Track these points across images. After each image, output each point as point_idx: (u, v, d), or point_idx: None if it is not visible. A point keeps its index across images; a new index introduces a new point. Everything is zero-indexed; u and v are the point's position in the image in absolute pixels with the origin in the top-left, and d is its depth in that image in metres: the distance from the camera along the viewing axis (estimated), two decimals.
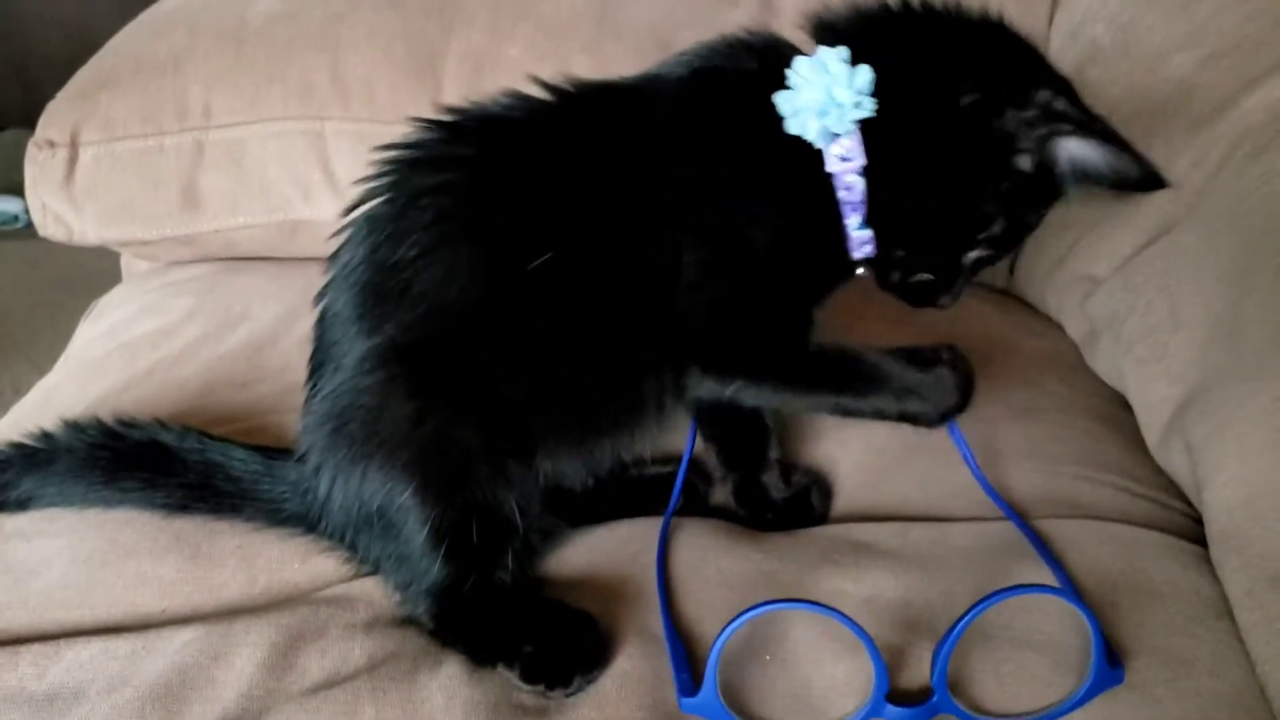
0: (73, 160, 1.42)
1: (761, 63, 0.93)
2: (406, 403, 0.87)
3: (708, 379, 0.93)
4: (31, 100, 1.53)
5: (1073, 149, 0.91)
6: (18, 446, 1.02)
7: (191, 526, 0.99)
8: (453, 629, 0.88)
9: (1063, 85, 0.93)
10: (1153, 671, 0.79)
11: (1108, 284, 1.16)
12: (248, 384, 1.22)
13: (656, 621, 0.86)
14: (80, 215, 1.45)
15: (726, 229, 0.90)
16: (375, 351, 0.89)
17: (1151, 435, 1.03)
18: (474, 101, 0.95)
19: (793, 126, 0.89)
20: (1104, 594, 0.85)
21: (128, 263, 1.64)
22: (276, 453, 1.01)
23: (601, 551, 0.96)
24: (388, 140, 0.94)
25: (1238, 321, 0.92)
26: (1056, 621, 0.83)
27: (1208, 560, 0.90)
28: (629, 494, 1.03)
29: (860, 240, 0.93)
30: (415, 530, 0.87)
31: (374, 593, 0.92)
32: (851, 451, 1.07)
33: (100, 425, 1.02)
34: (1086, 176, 0.92)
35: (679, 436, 1.07)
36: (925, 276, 0.97)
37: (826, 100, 0.87)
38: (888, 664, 0.77)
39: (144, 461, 1.00)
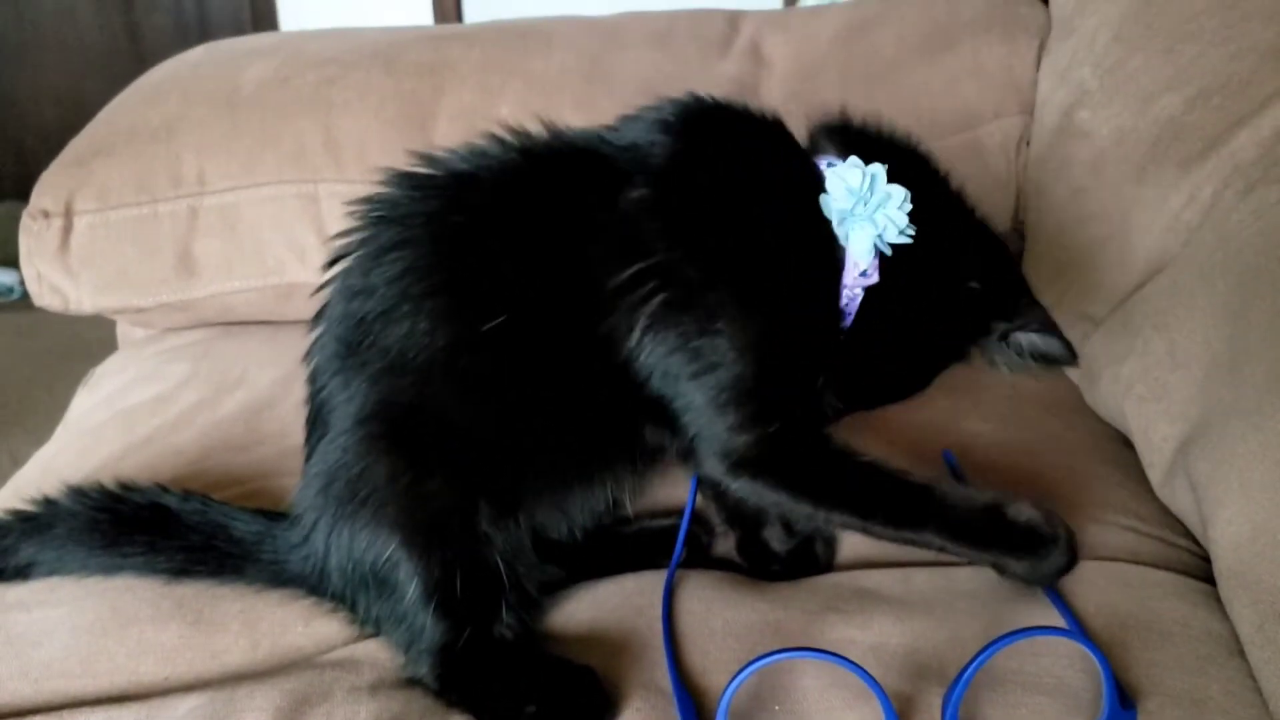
0: (67, 229, 1.43)
1: (782, 150, 0.96)
2: (384, 459, 0.88)
3: (713, 469, 0.92)
4: (25, 172, 1.55)
5: (1025, 340, 0.96)
6: (16, 514, 1.02)
7: (193, 592, 0.98)
8: (456, 689, 0.87)
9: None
10: (1165, 712, 0.78)
11: (1106, 324, 1.16)
12: (246, 448, 1.22)
13: (662, 676, 0.85)
14: (76, 284, 1.45)
15: (735, 314, 0.89)
16: (354, 409, 0.90)
17: (1155, 474, 1.03)
18: (444, 150, 0.96)
19: (840, 232, 0.91)
20: (1113, 634, 0.84)
21: (124, 330, 1.64)
22: (277, 515, 1.00)
23: (605, 606, 0.95)
24: None
25: (1236, 357, 0.92)
26: (1066, 665, 0.82)
27: (1217, 598, 0.89)
28: (632, 547, 1.03)
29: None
30: (406, 586, 0.87)
31: (378, 654, 0.91)
32: None
33: (101, 489, 1.02)
34: (1022, 354, 0.96)
35: (677, 489, 1.07)
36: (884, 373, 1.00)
37: (879, 214, 0.89)
38: (898, 711, 0.76)
39: (145, 525, 1.00)
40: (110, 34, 3.71)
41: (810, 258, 0.92)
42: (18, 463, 1.33)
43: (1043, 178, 1.36)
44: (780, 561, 1.02)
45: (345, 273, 0.93)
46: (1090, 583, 0.91)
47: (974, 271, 0.94)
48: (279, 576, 0.97)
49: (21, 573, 1.01)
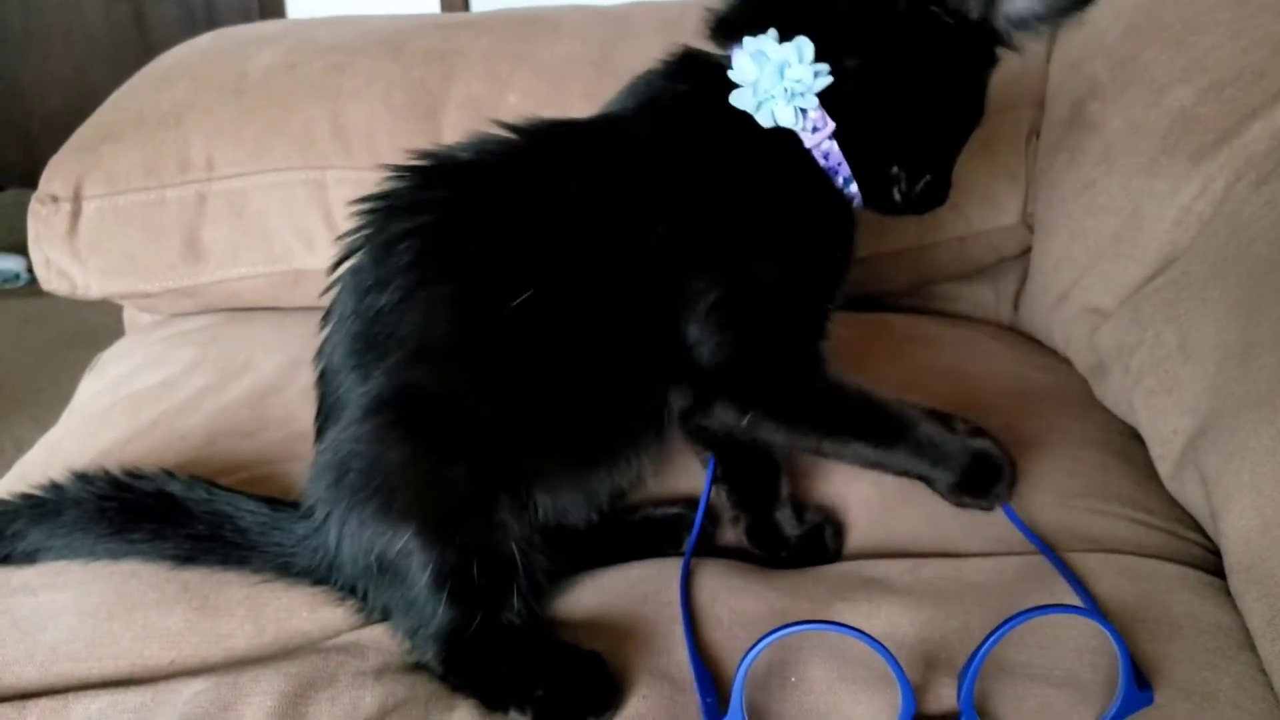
0: (76, 214, 1.43)
1: (693, 76, 0.97)
2: (399, 447, 0.87)
3: (721, 408, 0.94)
4: (31, 160, 1.54)
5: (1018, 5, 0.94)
6: (25, 498, 1.01)
7: (198, 577, 0.97)
8: (462, 673, 0.87)
9: None
10: (1175, 706, 0.78)
11: (1115, 316, 1.16)
12: (252, 434, 1.21)
13: (670, 662, 0.85)
14: (84, 269, 1.45)
15: (729, 246, 0.92)
16: (368, 399, 0.89)
17: (1164, 467, 1.03)
18: (443, 145, 0.96)
19: (762, 119, 0.92)
20: (1122, 627, 0.83)
21: (130, 316, 1.64)
22: (284, 504, 1.00)
23: (612, 593, 0.95)
24: None
25: (1248, 350, 0.92)
26: (1075, 657, 0.82)
27: (1227, 592, 0.89)
28: (637, 535, 1.03)
29: (852, 194, 0.98)
30: (418, 574, 0.86)
31: (384, 639, 0.91)
32: (860, 490, 1.06)
33: (108, 476, 1.01)
34: (1025, 22, 0.95)
35: (681, 477, 1.08)
36: (926, 179, 1.00)
37: (786, 83, 0.90)
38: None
39: (152, 512, 0.99)
40: (116, 22, 3.71)
41: (766, 156, 0.94)
42: (22, 449, 1.33)
43: (1052, 170, 1.35)
44: (789, 548, 1.02)
45: (355, 270, 0.93)
46: (1098, 574, 0.91)
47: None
48: (287, 569, 0.97)
49: (29, 558, 1.01)
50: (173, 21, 3.68)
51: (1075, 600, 0.87)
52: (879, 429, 0.97)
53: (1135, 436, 1.11)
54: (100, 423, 1.28)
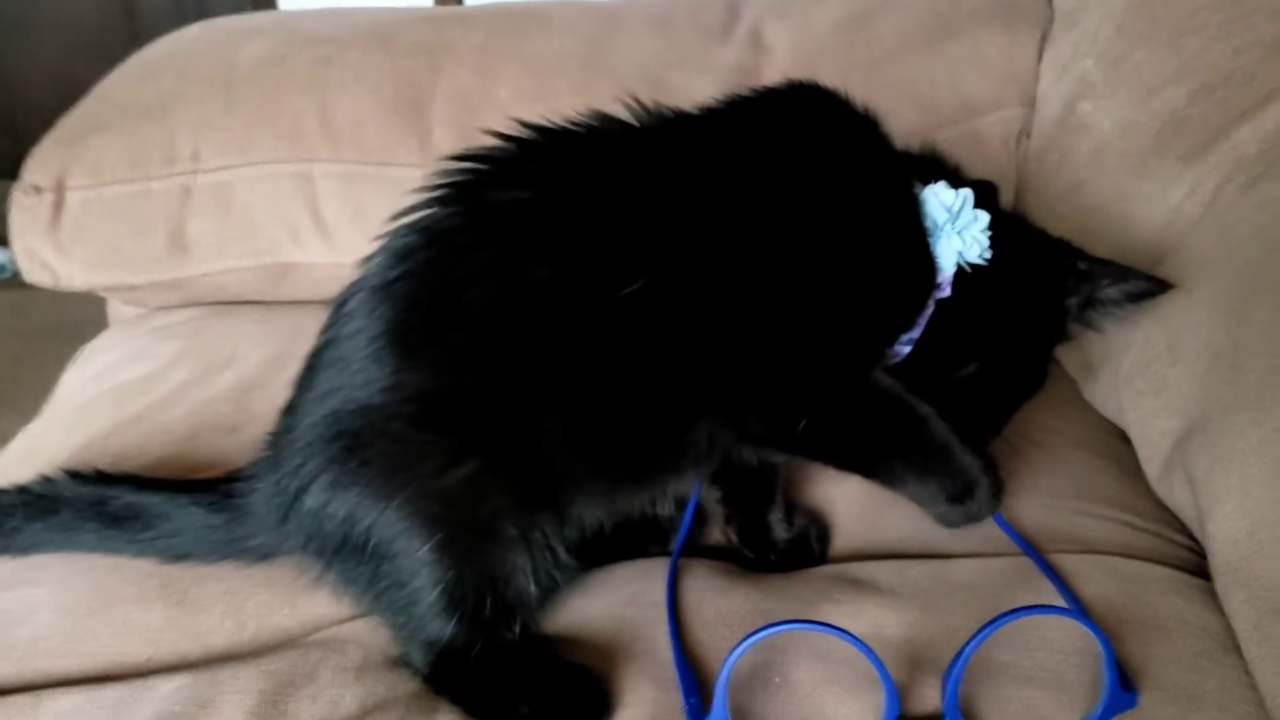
0: (59, 205, 1.41)
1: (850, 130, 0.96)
2: (442, 442, 0.83)
3: (772, 420, 0.90)
4: (19, 150, 1.52)
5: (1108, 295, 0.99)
6: (23, 492, 1.00)
7: (178, 572, 0.97)
8: (448, 683, 0.85)
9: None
10: (1161, 708, 0.78)
11: None
12: (236, 428, 1.20)
13: (654, 662, 0.84)
14: (67, 260, 1.43)
15: (840, 281, 0.90)
16: (413, 378, 0.83)
17: (1152, 469, 1.02)
18: (549, 120, 0.91)
19: (935, 242, 0.93)
20: (1108, 628, 0.83)
21: (114, 309, 1.62)
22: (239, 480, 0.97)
23: (597, 595, 0.94)
24: (378, 182, 0.92)
25: (1237, 352, 0.91)
26: (1061, 659, 0.81)
27: (1213, 594, 0.88)
28: (623, 536, 1.00)
29: (895, 352, 0.96)
30: (427, 588, 0.83)
31: (365, 634, 0.90)
32: (847, 492, 1.06)
33: (99, 476, 1.01)
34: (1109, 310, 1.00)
35: None
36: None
37: (966, 235, 0.93)
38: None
39: (123, 520, 0.98)
40: (106, 12, 3.68)
41: (909, 258, 0.93)
42: (5, 441, 1.32)
43: (1042, 170, 1.35)
44: (779, 551, 1.01)
45: (432, 230, 0.86)
46: (1085, 575, 0.91)
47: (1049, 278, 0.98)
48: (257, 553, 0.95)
49: (24, 551, 1.00)
50: (162, 12, 3.65)
51: (1061, 602, 0.87)
52: (922, 451, 0.93)
53: (1122, 438, 1.11)
54: (82, 416, 1.27)
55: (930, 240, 0.93)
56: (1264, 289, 0.92)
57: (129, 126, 1.45)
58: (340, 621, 0.92)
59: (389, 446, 0.83)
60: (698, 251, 0.86)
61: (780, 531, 1.02)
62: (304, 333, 0.94)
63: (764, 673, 0.82)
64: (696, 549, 1.02)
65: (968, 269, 0.94)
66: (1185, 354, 0.99)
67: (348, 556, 0.87)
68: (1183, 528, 0.99)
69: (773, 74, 1.47)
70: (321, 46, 1.50)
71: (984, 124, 1.44)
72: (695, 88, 1.18)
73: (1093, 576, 0.90)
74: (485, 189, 0.88)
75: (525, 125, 0.90)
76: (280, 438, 0.92)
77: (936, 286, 0.94)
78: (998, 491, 0.95)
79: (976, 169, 1.15)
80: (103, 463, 1.05)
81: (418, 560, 0.83)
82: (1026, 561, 0.93)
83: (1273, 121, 1.04)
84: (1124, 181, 1.17)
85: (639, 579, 0.94)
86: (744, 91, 0.98)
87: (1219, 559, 0.86)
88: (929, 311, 0.94)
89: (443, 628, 0.84)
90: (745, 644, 0.75)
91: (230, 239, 1.43)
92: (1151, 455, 1.02)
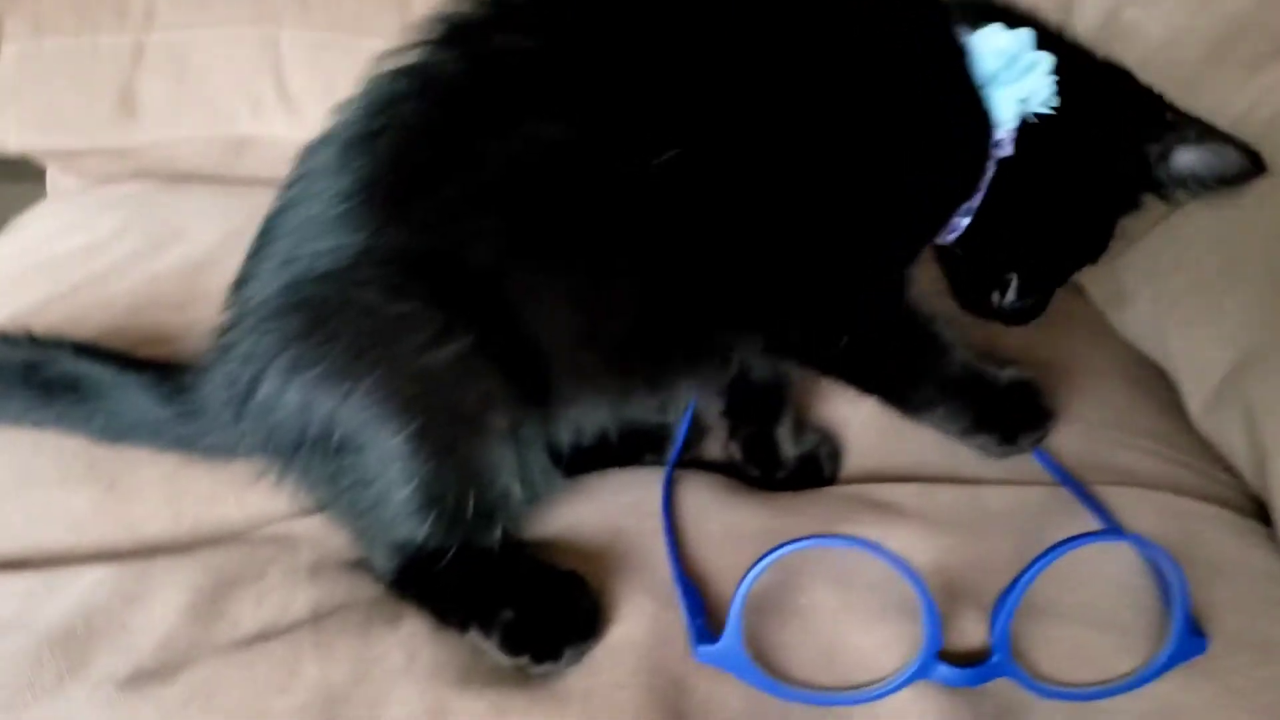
0: None
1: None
2: (425, 313, 0.71)
3: (815, 332, 0.81)
4: None
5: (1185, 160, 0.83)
6: None
7: (108, 455, 0.86)
8: (417, 586, 0.75)
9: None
10: (1232, 657, 0.69)
11: (1145, 241, 1.06)
12: (182, 306, 1.08)
13: (654, 578, 0.75)
14: (1, 118, 1.32)
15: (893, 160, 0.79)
16: (394, 239, 0.71)
17: (1195, 402, 0.94)
18: None
19: (986, 94, 0.81)
20: None
21: (53, 179, 1.50)
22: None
23: (590, 504, 0.84)
24: (351, 53, 0.79)
25: None
26: (1115, 597, 0.73)
27: (1271, 538, 0.81)
28: (615, 442, 0.88)
29: (954, 225, 0.86)
30: (399, 483, 0.72)
31: (320, 533, 0.80)
32: (864, 410, 0.95)
33: (31, 340, 0.90)
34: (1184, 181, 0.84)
35: None
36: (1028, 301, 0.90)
37: (1022, 81, 0.81)
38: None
39: (60, 390, 0.88)
40: None
41: (968, 124, 0.82)
42: None
43: None
44: (785, 468, 0.92)
45: (428, 75, 0.74)
46: (1131, 510, 0.82)
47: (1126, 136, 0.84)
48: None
49: None
50: None
51: None
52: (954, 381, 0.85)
53: (1154, 369, 1.03)
54: (14, 284, 1.16)
55: (984, 92, 0.82)
56: None
57: None
58: (291, 516, 0.82)
59: (359, 319, 0.71)
60: (736, 122, 0.75)
61: (789, 448, 0.93)
62: (262, 213, 0.82)
63: (776, 596, 0.72)
64: (694, 464, 0.93)
65: (1032, 120, 0.82)
66: (1244, 277, 0.92)
67: (308, 452, 0.75)
68: (1227, 466, 0.91)
69: None
70: None
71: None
72: None
73: (1140, 511, 0.81)
74: (490, 30, 0.76)
75: None
76: (231, 318, 0.80)
77: (996, 144, 0.82)
78: (1045, 418, 0.86)
79: None
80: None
81: (389, 451, 0.72)
82: (1065, 492, 0.84)
83: None
84: (1175, 93, 1.08)
85: (636, 487, 0.84)
86: None
87: None
88: (989, 175, 0.83)
89: (415, 528, 0.73)
90: (766, 560, 0.66)
91: (184, 105, 1.32)
92: (1196, 389, 0.94)
